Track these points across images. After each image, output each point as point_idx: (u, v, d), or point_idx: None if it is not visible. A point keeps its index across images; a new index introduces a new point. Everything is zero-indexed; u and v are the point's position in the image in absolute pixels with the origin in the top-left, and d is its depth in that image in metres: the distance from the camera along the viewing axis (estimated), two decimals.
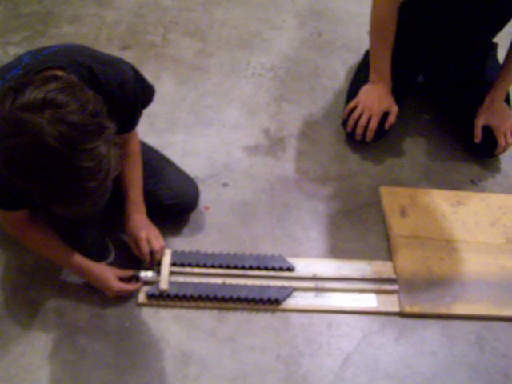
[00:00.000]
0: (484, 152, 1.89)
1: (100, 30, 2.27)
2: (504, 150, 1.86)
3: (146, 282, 1.47)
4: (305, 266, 1.55)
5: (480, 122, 1.83)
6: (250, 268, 1.52)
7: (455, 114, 1.98)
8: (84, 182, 0.94)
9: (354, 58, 2.18)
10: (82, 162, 0.91)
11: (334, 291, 1.51)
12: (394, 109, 1.81)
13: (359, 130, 1.80)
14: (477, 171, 1.90)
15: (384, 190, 1.76)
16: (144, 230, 1.45)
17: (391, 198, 1.73)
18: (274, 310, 1.48)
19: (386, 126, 1.80)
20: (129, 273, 1.46)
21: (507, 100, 1.90)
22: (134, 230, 1.45)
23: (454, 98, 1.97)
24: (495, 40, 1.96)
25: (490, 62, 1.96)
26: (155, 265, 1.49)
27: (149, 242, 1.45)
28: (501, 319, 1.52)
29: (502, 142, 1.83)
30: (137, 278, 1.47)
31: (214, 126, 1.93)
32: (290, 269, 1.53)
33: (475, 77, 1.94)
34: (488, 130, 1.84)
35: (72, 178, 0.93)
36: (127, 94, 1.23)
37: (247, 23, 2.38)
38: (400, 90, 1.89)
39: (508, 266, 1.62)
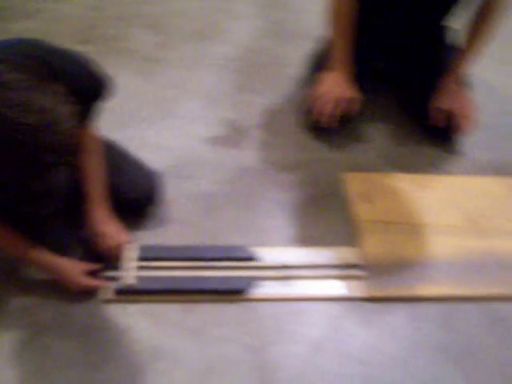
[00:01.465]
0: (443, 135, 1.92)
1: (59, 25, 2.23)
2: (461, 132, 1.88)
3: (113, 278, 1.46)
4: (271, 254, 1.55)
5: (436, 105, 1.85)
6: (215, 259, 1.52)
7: (414, 99, 2.00)
8: (32, 138, 0.93)
9: (314, 46, 2.18)
10: (19, 118, 0.91)
11: (301, 279, 1.51)
12: (357, 96, 1.82)
13: (323, 118, 1.80)
14: (439, 155, 1.92)
15: (348, 176, 1.76)
16: (104, 226, 1.43)
17: (355, 183, 1.74)
18: (241, 301, 1.47)
19: (350, 113, 1.81)
20: (94, 267, 1.45)
21: (464, 83, 1.93)
22: (93, 226, 1.44)
23: (411, 83, 1.99)
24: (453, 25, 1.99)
25: (444, 46, 1.99)
26: (117, 260, 1.47)
27: (109, 237, 1.44)
28: (465, 299, 1.54)
29: (457, 124, 1.85)
30: (104, 273, 1.46)
31: (176, 118, 1.92)
32: (254, 258, 1.53)
33: (430, 61, 1.96)
34: (444, 114, 1.85)
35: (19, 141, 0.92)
36: (81, 89, 1.21)
37: (207, 14, 2.37)
38: (362, 76, 1.90)
39: (471, 246, 1.64)
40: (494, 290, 1.56)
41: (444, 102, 1.85)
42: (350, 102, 1.81)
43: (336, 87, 1.80)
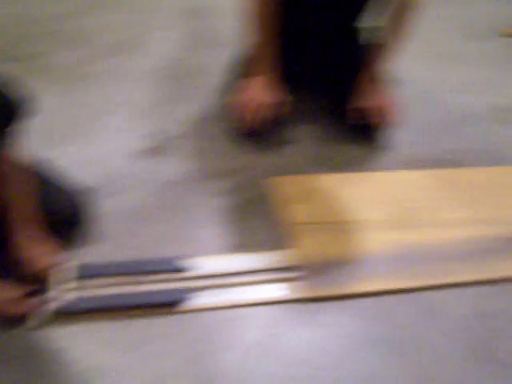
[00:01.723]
0: (366, 133, 1.96)
1: None
2: (381, 128, 1.92)
3: (47, 300, 1.43)
4: (207, 264, 1.55)
5: (355, 103, 1.89)
6: (149, 273, 1.51)
7: (337, 99, 2.03)
8: None
9: (235, 52, 2.19)
10: None
11: (237, 286, 1.52)
12: (284, 99, 1.83)
13: (252, 123, 1.81)
14: (366, 152, 1.96)
15: (278, 180, 1.78)
16: (28, 251, 1.41)
17: (285, 187, 1.76)
18: (178, 313, 1.46)
19: (278, 117, 1.82)
20: (26, 290, 1.42)
21: (386, 80, 1.98)
22: (16, 251, 1.41)
23: (334, 83, 2.02)
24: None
25: (362, 45, 2.04)
26: (46, 283, 1.45)
27: (35, 261, 1.41)
28: (399, 292, 1.58)
29: (376, 121, 1.89)
30: (35, 297, 1.43)
31: (103, 133, 1.90)
32: (189, 269, 1.52)
33: (349, 61, 2.00)
34: (364, 112, 1.89)
35: None
36: None
37: (130, 27, 2.36)
38: (287, 80, 1.92)
39: (401, 239, 1.68)
40: (426, 281, 1.60)
41: (361, 100, 1.89)
42: (276, 106, 1.82)
43: (262, 92, 1.81)
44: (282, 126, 1.95)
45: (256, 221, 1.70)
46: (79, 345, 1.40)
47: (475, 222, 1.79)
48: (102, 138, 1.88)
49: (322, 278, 1.55)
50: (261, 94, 1.80)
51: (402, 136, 2.04)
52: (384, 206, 1.77)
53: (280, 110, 1.83)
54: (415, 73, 2.35)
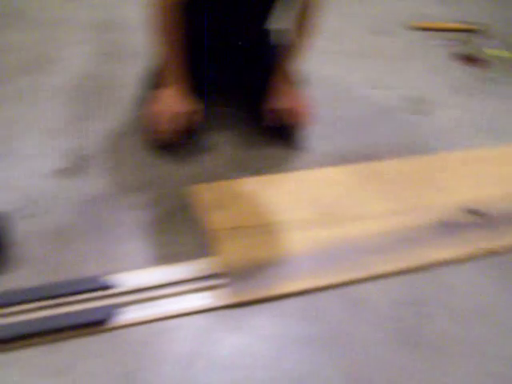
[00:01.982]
0: (284, 134, 1.98)
1: None
2: (298, 128, 1.95)
3: None
4: (132, 278, 1.52)
5: (269, 106, 1.91)
6: (73, 294, 1.47)
7: (253, 102, 2.04)
8: None
9: (147, 64, 2.17)
10: None
11: (164, 298, 1.50)
12: (197, 107, 1.82)
13: (164, 134, 1.80)
14: (285, 153, 1.98)
15: (198, 188, 1.77)
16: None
17: (206, 194, 1.75)
18: (105, 331, 1.44)
19: (192, 125, 1.82)
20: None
21: (299, 80, 2.00)
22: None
23: (248, 87, 2.03)
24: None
25: (273, 47, 2.06)
26: None
27: None
28: (327, 288, 1.59)
29: (293, 121, 1.92)
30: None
31: (17, 156, 1.85)
32: (114, 286, 1.50)
33: (261, 63, 2.01)
34: (280, 113, 1.91)
35: None
36: None
37: (39, 44, 2.31)
38: (200, 87, 1.91)
39: (326, 236, 1.70)
40: (352, 275, 1.63)
41: (276, 101, 1.91)
42: (188, 115, 1.82)
43: (172, 103, 1.80)
44: (197, 134, 1.95)
45: (179, 231, 1.68)
46: (5, 377, 1.35)
47: (396, 212, 1.83)
48: (16, 160, 1.83)
49: (248, 282, 1.55)
50: (171, 104, 1.79)
51: (319, 134, 2.07)
52: (306, 205, 1.79)
53: (192, 119, 1.82)
54: (327, 71, 2.39)
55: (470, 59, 2.63)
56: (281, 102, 1.91)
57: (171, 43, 1.77)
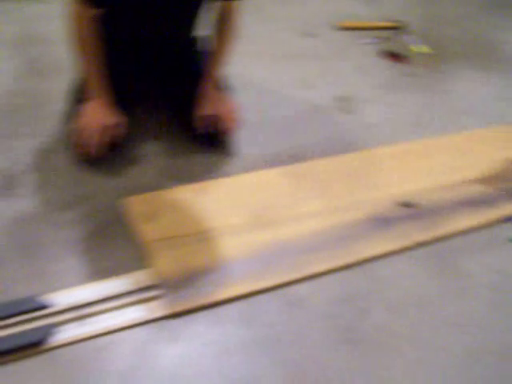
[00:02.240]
0: (214, 140, 1.98)
1: None
2: (228, 134, 1.96)
3: None
4: (65, 297, 1.49)
5: (200, 112, 1.91)
6: (7, 317, 1.44)
7: (181, 110, 2.04)
8: None
9: (73, 78, 2.15)
10: None
11: (101, 313, 1.48)
12: (120, 120, 1.81)
13: (90, 149, 1.78)
14: (215, 159, 1.98)
15: (128, 201, 1.75)
16: None
17: (137, 206, 1.73)
18: (42, 352, 1.41)
19: (116, 138, 1.80)
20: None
21: (225, 86, 2.02)
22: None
23: (175, 95, 2.02)
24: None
25: (198, 55, 2.07)
26: None
27: None
28: (261, 291, 1.60)
29: (223, 127, 1.92)
30: None
31: None
32: (47, 306, 1.47)
33: (187, 71, 2.01)
34: (209, 119, 1.92)
35: None
36: None
37: None
38: (124, 98, 1.90)
39: (257, 240, 1.71)
40: (288, 276, 1.64)
41: (205, 108, 1.91)
42: (113, 128, 1.80)
43: (96, 116, 1.78)
44: (125, 147, 1.93)
45: (114, 245, 1.67)
46: None
47: (330, 211, 1.85)
48: None
49: (184, 292, 1.54)
50: (94, 118, 1.77)
51: (249, 138, 2.08)
52: (239, 210, 1.79)
53: (116, 132, 1.80)
54: (256, 74, 2.41)
55: (394, 56, 2.69)
56: (210, 108, 1.91)
57: (90, 56, 1.76)
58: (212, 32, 1.93)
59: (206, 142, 1.98)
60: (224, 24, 1.90)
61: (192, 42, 2.08)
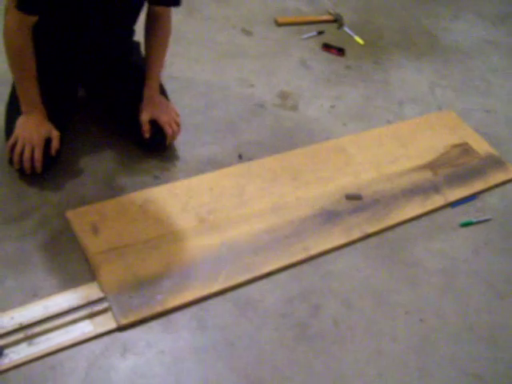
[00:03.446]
0: (156, 146, 1.96)
1: None
2: (173, 138, 1.94)
3: None
4: (9, 318, 1.45)
5: (145, 117, 1.89)
6: None
7: (122, 116, 2.01)
8: None
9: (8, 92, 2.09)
10: None
11: (46, 332, 1.44)
12: (55, 133, 1.76)
13: (26, 164, 1.72)
14: (158, 165, 1.95)
15: (70, 214, 1.70)
16: None
17: (79, 219, 1.69)
18: None
19: (52, 152, 1.75)
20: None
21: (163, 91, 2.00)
22: None
23: (116, 101, 1.99)
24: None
25: (136, 59, 2.04)
26: None
27: None
28: (213, 295, 1.59)
29: (168, 131, 1.90)
30: None
31: None
32: None
33: (128, 76, 1.99)
34: (154, 124, 1.89)
35: None
36: None
37: None
38: (60, 111, 1.86)
39: (205, 244, 1.70)
40: (239, 278, 1.64)
41: (149, 113, 1.89)
42: (47, 141, 1.75)
43: (31, 130, 1.72)
44: (68, 157, 1.88)
45: (59, 259, 1.62)
46: None
47: (279, 208, 1.85)
48: None
49: (135, 301, 1.52)
50: (29, 132, 1.72)
51: (194, 141, 2.06)
52: (186, 214, 1.77)
53: (53, 144, 1.75)
54: (199, 75, 2.38)
55: (332, 49, 2.69)
56: (154, 112, 1.90)
57: (25, 67, 1.71)
58: (145, 37, 1.92)
59: (149, 147, 1.96)
60: (157, 28, 1.89)
61: (132, 46, 2.05)
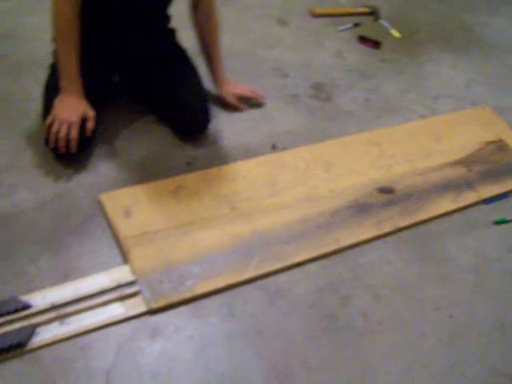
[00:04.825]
0: (193, 130, 1.98)
1: None
2: (263, 98, 2.24)
3: None
4: (42, 298, 1.47)
5: (229, 94, 2.13)
6: None
7: (158, 101, 2.02)
8: None
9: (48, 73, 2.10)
10: None
11: (78, 313, 1.46)
12: (91, 113, 1.77)
13: (61, 143, 1.73)
14: (191, 152, 1.96)
15: (103, 197, 1.72)
16: None
17: (113, 202, 1.71)
18: (21, 355, 1.39)
19: (87, 132, 1.77)
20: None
21: None
22: None
23: (153, 86, 2.00)
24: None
25: (174, 45, 2.09)
26: None
27: None
28: (243, 283, 1.59)
29: (258, 94, 2.22)
30: None
31: None
32: (25, 307, 1.44)
33: (165, 61, 2.00)
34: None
35: None
36: None
37: None
38: (97, 92, 1.87)
39: (237, 231, 1.70)
40: (270, 266, 1.63)
41: (233, 89, 2.13)
42: (83, 121, 1.76)
43: (68, 108, 1.73)
44: (101, 139, 1.90)
45: (92, 242, 1.64)
46: None
47: (311, 199, 1.84)
48: None
49: (165, 286, 1.53)
50: (67, 111, 1.73)
51: (229, 128, 2.07)
52: (218, 202, 1.77)
53: (89, 125, 1.76)
54: (232, 64, 2.36)
55: (368, 41, 2.67)
56: (235, 88, 2.14)
57: (68, 45, 1.72)
58: (196, 26, 2.01)
59: (186, 132, 1.97)
60: (208, 15, 1.99)
61: (168, 33, 2.06)
